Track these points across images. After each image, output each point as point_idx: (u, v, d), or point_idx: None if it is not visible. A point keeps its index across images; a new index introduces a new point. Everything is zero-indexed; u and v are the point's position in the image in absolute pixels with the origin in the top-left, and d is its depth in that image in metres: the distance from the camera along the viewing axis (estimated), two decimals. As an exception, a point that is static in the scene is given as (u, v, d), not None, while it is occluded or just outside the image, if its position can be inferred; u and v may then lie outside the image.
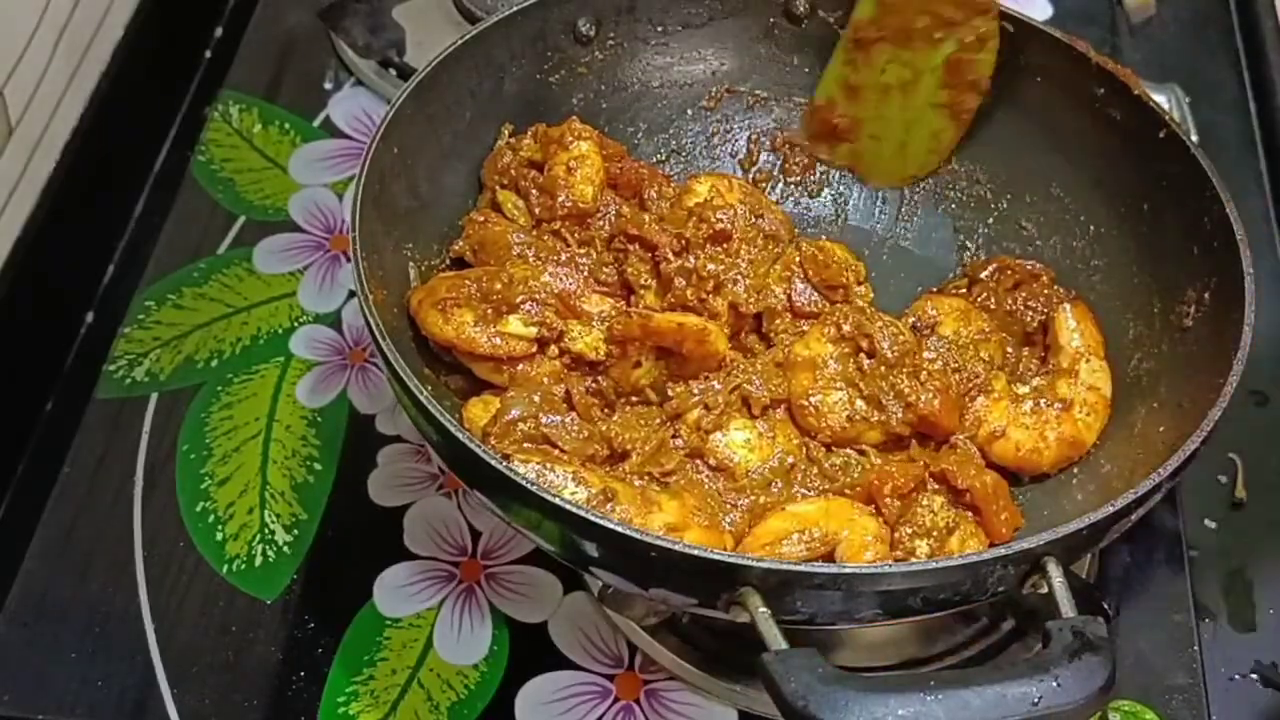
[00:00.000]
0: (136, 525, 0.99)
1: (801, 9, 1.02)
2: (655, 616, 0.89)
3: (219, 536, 0.99)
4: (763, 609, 0.68)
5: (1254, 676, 0.94)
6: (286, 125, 1.25)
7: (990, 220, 1.02)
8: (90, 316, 1.12)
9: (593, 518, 0.71)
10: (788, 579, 0.69)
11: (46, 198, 1.09)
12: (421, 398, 0.76)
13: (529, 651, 0.93)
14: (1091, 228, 0.97)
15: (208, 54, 1.31)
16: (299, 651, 0.93)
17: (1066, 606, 0.70)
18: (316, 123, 1.25)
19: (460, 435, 0.74)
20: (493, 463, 0.73)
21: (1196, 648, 0.94)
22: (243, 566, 0.97)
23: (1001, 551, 0.70)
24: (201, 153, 1.22)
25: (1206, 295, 0.86)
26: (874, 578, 0.69)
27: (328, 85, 1.28)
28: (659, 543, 0.69)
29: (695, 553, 0.69)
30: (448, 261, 0.95)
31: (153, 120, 1.24)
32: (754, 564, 0.69)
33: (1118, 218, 0.95)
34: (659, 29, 1.03)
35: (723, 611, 0.71)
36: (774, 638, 0.67)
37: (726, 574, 0.69)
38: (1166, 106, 1.18)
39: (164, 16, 1.24)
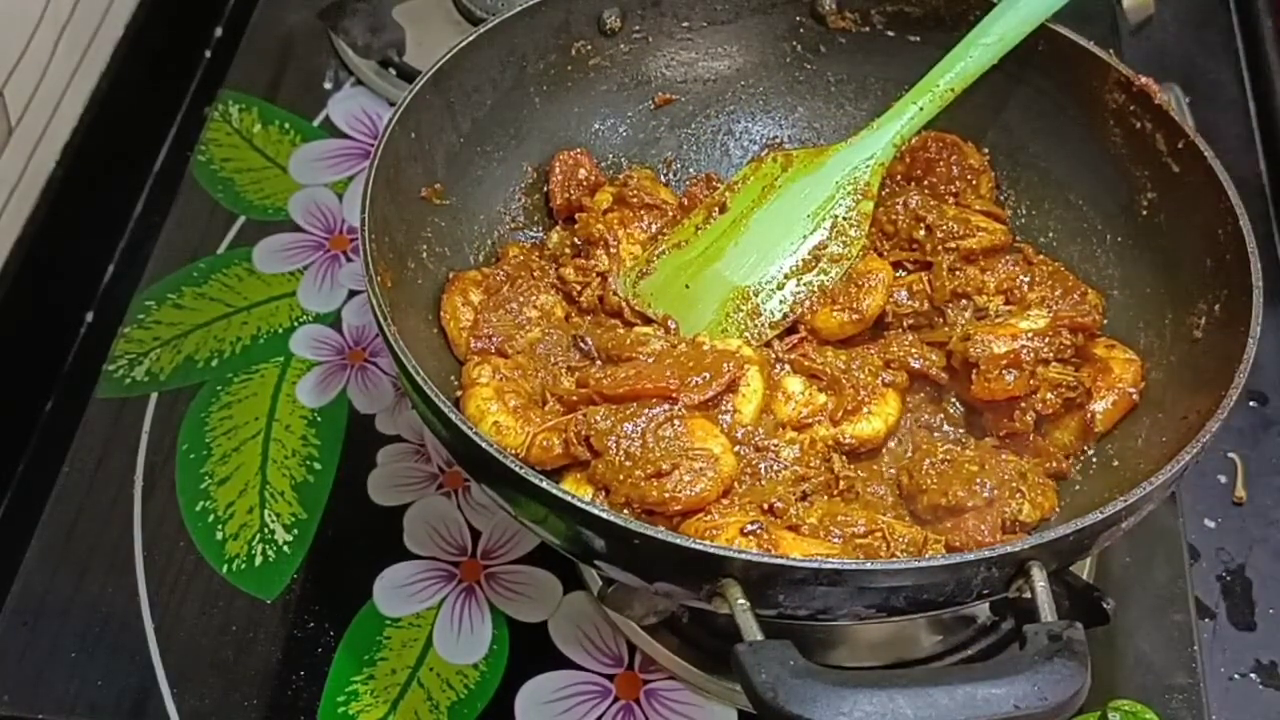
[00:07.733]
0: (136, 525, 0.99)
1: (827, 7, 1.02)
2: (655, 616, 0.89)
3: (219, 536, 0.99)
4: (741, 600, 0.69)
5: (1254, 676, 0.94)
6: (286, 125, 1.25)
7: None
8: (90, 316, 1.12)
9: (597, 511, 0.71)
10: (769, 572, 0.69)
11: (46, 198, 1.09)
12: (426, 389, 0.75)
13: (529, 651, 0.93)
14: (1108, 236, 0.96)
15: (208, 54, 1.31)
16: (299, 651, 0.93)
17: (1046, 611, 0.70)
18: (316, 122, 1.25)
19: (466, 429, 0.74)
20: (499, 457, 0.73)
21: (1196, 647, 0.94)
22: (243, 566, 0.97)
23: (985, 554, 0.70)
24: (201, 152, 1.22)
25: (1216, 308, 0.86)
26: (854, 574, 0.69)
27: (328, 85, 1.28)
28: (648, 532, 0.70)
29: (678, 542, 0.69)
30: (479, 259, 0.96)
31: (153, 120, 1.24)
32: (736, 555, 0.69)
33: (1134, 227, 0.94)
34: (684, 24, 1.03)
35: (705, 602, 0.71)
36: (750, 629, 0.67)
37: (709, 565, 0.69)
38: (1166, 107, 1.18)
39: (164, 16, 1.25)
